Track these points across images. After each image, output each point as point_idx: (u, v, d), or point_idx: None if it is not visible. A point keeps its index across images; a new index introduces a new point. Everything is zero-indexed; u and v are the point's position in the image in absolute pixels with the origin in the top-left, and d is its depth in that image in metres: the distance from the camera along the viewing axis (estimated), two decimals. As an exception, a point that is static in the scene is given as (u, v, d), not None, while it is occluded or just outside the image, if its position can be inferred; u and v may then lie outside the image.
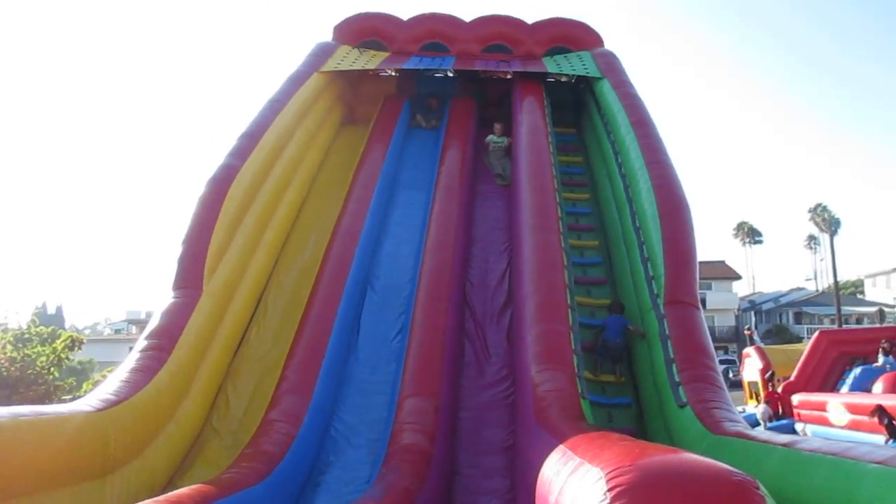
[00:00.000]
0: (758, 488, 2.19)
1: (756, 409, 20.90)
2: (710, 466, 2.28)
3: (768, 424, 19.54)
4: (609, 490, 2.25)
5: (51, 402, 10.55)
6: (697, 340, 7.57)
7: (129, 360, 7.24)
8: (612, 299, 9.40)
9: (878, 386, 16.58)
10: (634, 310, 8.87)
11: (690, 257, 8.42)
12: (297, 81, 12.17)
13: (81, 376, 29.10)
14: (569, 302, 7.86)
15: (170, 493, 4.92)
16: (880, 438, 13.16)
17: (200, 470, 7.29)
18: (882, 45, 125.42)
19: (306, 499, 6.82)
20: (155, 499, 4.73)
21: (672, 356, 7.35)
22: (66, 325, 63.32)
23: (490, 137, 12.29)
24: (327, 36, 14.47)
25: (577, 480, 2.59)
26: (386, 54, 14.16)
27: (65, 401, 11.07)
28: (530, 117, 11.91)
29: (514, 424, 7.44)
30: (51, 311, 61.31)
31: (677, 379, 7.03)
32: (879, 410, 13.62)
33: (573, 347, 7.18)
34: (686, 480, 2.20)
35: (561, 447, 3.40)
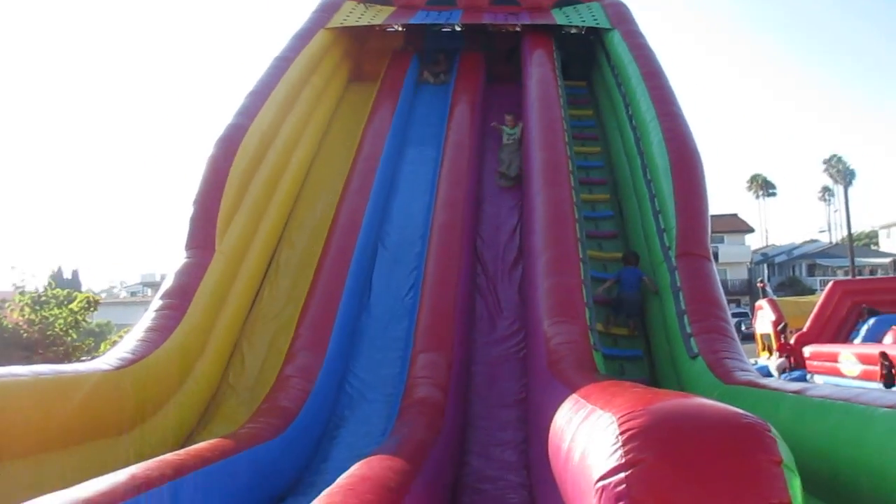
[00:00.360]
0: (769, 430, 2.21)
1: (769, 360, 20.95)
2: (721, 410, 2.30)
3: (781, 376, 19.61)
4: (621, 433, 2.27)
5: (69, 362, 10.73)
6: (709, 292, 7.56)
7: (145, 320, 7.33)
8: (626, 250, 9.26)
9: (889, 337, 16.58)
10: (646, 262, 8.85)
11: (702, 209, 8.36)
12: (303, 38, 12.04)
13: (99, 338, 29.48)
14: (580, 256, 7.84)
15: (189, 448, 5.03)
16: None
17: (218, 425, 7.42)
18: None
19: (323, 451, 6.94)
20: (174, 452, 4.83)
21: (684, 308, 7.35)
22: (83, 289, 64.00)
23: (503, 129, 11.54)
24: (333, -9, 14.25)
25: (590, 426, 2.62)
26: (392, 9, 13.97)
27: (83, 361, 11.26)
28: (540, 70, 11.75)
29: (526, 378, 7.51)
30: (67, 275, 61.79)
31: (689, 330, 7.05)
32: (882, 356, 13.75)
33: (585, 301, 7.18)
34: (697, 422, 2.22)
35: (573, 395, 3.43)
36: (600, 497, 2.21)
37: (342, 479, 3.69)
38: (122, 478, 3.99)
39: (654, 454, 2.16)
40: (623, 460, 2.19)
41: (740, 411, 2.27)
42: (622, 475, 2.16)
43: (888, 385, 13.25)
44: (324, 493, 3.43)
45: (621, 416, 2.33)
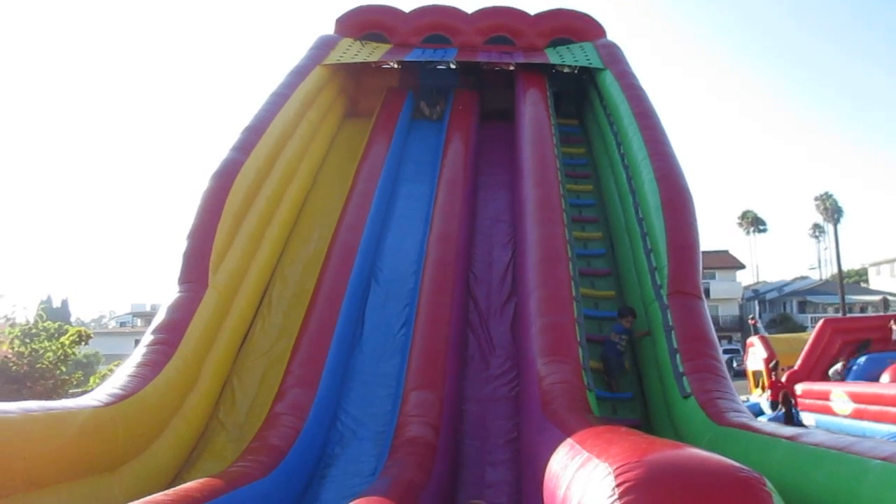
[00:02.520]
0: (764, 484, 2.21)
1: (760, 398, 20.89)
2: (717, 462, 2.30)
3: (769, 415, 19.57)
4: (618, 485, 2.28)
5: (59, 396, 10.62)
6: (701, 331, 7.58)
7: (136, 355, 7.28)
8: (621, 307, 8.88)
9: (886, 376, 16.61)
10: (638, 301, 8.88)
11: (693, 248, 8.41)
12: (299, 74, 12.18)
13: (87, 369, 29.24)
14: (573, 294, 7.87)
15: (178, 487, 4.97)
16: (883, 428, 13.20)
17: (208, 463, 7.35)
18: (882, 50, 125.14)
19: (313, 491, 6.87)
20: (164, 492, 4.77)
21: (676, 347, 7.37)
22: (72, 319, 63.52)
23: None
24: (329, 29, 14.48)
25: (586, 475, 2.62)
26: (388, 46, 14.16)
27: (73, 395, 11.14)
28: (533, 109, 11.90)
29: (518, 417, 7.47)
30: (56, 304, 61.43)
31: (681, 369, 7.05)
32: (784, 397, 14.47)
33: (578, 340, 7.20)
34: (693, 476, 2.22)
35: (568, 440, 3.42)
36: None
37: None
38: (111, 520, 3.94)
39: (649, 509, 2.16)
40: (619, 514, 2.19)
41: (736, 464, 2.28)
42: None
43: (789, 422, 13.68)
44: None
45: (617, 468, 2.33)
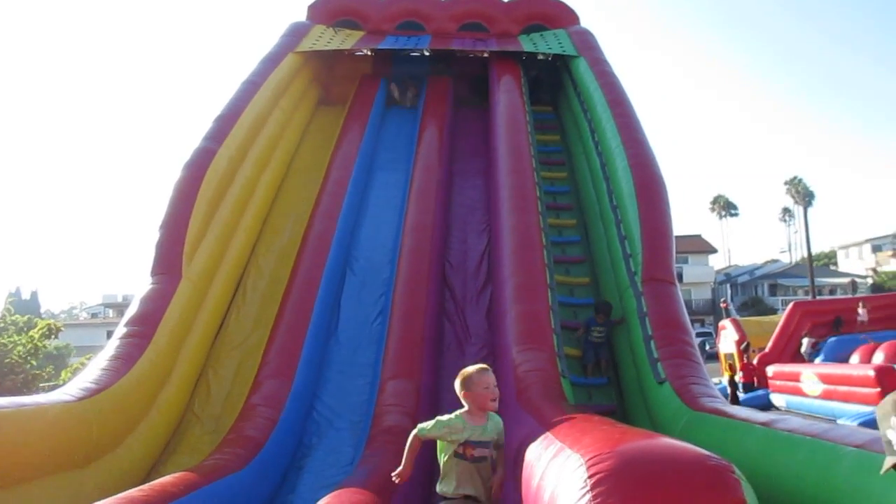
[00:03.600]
0: (733, 472, 2.25)
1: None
2: (687, 451, 2.34)
3: (743, 396, 19.90)
4: (589, 477, 2.31)
5: (30, 390, 10.47)
6: (674, 317, 7.66)
7: (109, 348, 7.20)
8: (598, 301, 8.91)
9: (856, 357, 16.94)
10: (612, 288, 8.95)
11: (667, 235, 8.49)
12: (271, 62, 12.05)
13: (58, 362, 28.89)
14: (548, 282, 7.91)
15: (153, 482, 4.93)
16: (852, 408, 13.49)
17: (184, 456, 7.30)
18: (855, 31, 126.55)
19: (290, 482, 6.85)
20: (139, 488, 4.74)
21: (650, 333, 7.44)
22: (42, 310, 62.66)
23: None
24: (301, 16, 14.32)
25: (559, 466, 2.65)
26: (361, 33, 14.05)
27: (44, 388, 11.00)
28: (507, 96, 11.90)
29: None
30: (25, 296, 60.54)
31: (655, 355, 7.12)
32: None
33: (553, 327, 7.24)
34: (664, 466, 2.26)
35: (542, 430, 3.46)
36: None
37: (311, 516, 3.65)
38: (86, 517, 3.90)
39: (620, 498, 2.19)
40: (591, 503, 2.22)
41: (706, 453, 2.32)
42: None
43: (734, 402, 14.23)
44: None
45: (589, 459, 2.36)
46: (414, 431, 4.19)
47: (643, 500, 2.16)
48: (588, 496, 2.26)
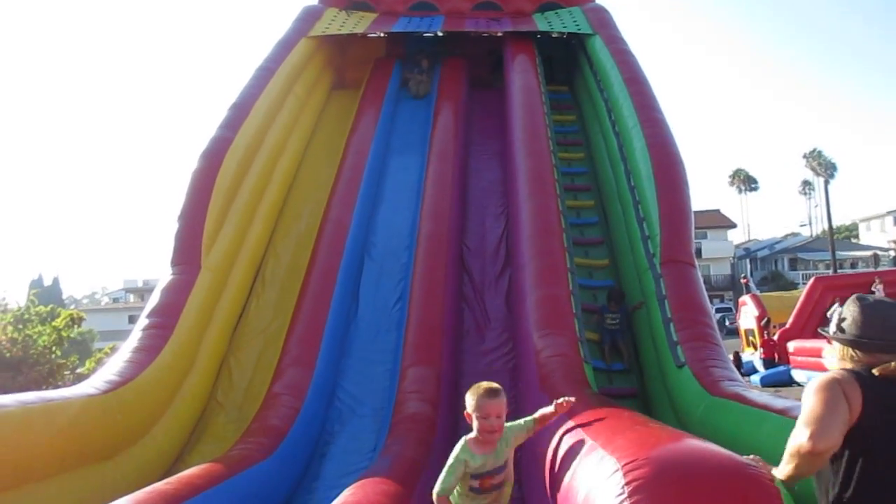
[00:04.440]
0: (773, 481, 2.24)
1: (753, 356, 21.05)
2: (725, 459, 2.32)
3: (762, 373, 19.79)
4: (626, 484, 2.30)
5: (55, 380, 10.62)
6: (694, 299, 7.61)
7: (132, 340, 7.27)
8: (610, 289, 8.77)
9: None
10: (631, 269, 8.90)
11: (685, 216, 8.41)
12: (285, 47, 12.00)
13: (82, 347, 29.26)
14: (568, 265, 7.88)
15: (180, 474, 4.99)
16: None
17: (208, 444, 7.39)
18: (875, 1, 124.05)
19: (314, 469, 6.92)
20: (166, 480, 4.79)
21: (670, 316, 7.39)
22: (64, 296, 63.38)
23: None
24: (314, -1, 14.23)
25: (592, 468, 2.64)
26: (374, 16, 13.94)
27: (68, 378, 11.14)
28: (523, 77, 11.78)
29: (515, 389, 7.52)
30: (47, 282, 61.20)
31: (675, 338, 7.08)
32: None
33: (574, 311, 7.21)
34: (703, 474, 2.25)
35: (570, 422, 3.45)
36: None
37: (338, 507, 3.68)
38: (114, 512, 3.96)
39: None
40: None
41: (744, 461, 2.30)
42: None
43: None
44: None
45: (626, 464, 2.35)
46: (435, 494, 3.65)
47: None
48: (627, 503, 2.25)
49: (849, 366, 2.74)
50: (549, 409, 3.88)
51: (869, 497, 2.58)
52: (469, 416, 3.69)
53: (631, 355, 8.23)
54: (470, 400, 3.69)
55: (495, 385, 3.71)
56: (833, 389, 2.56)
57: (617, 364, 8.17)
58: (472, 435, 3.70)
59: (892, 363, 2.64)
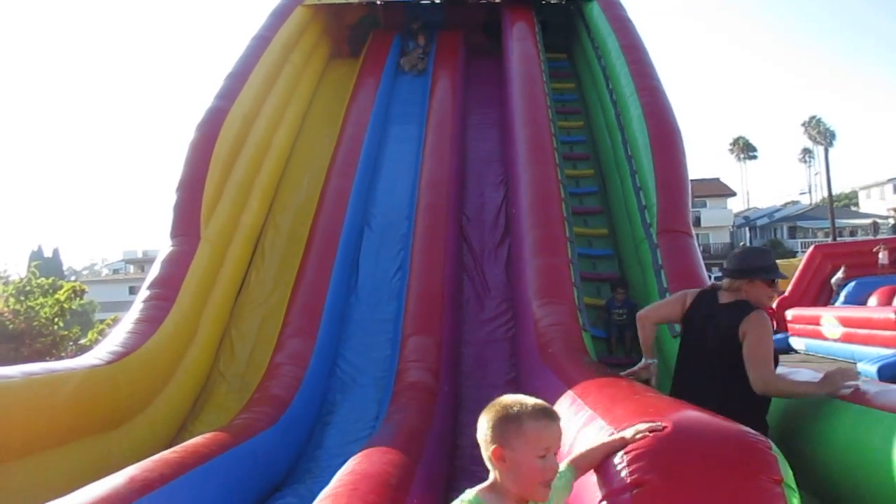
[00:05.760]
0: (770, 448, 2.28)
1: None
2: (725, 428, 2.35)
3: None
4: (626, 452, 2.34)
5: (58, 352, 10.69)
6: (691, 269, 7.60)
7: (134, 311, 7.31)
8: (615, 280, 8.76)
9: (874, 299, 16.87)
10: (629, 239, 8.92)
11: (682, 185, 8.39)
12: (280, 16, 11.86)
13: (84, 318, 29.37)
14: (567, 235, 7.89)
15: (185, 443, 5.04)
16: (872, 351, 13.49)
17: (211, 414, 7.47)
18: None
19: (317, 438, 6.99)
20: (172, 449, 4.85)
21: (666, 286, 7.41)
22: (64, 268, 63.46)
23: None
24: (309, -35, 14.02)
25: (592, 436, 2.68)
26: (370, -17, 13.76)
27: (71, 350, 11.22)
28: (521, 44, 11.68)
29: (515, 358, 7.58)
30: (47, 253, 61.25)
31: (671, 308, 7.10)
32: None
33: (573, 280, 7.25)
34: (702, 442, 2.28)
35: (569, 392, 3.50)
36: (605, 514, 2.29)
37: (343, 477, 3.72)
38: (121, 480, 4.01)
39: (658, 475, 2.23)
40: (628, 480, 2.26)
41: (744, 429, 2.34)
42: (627, 495, 2.23)
43: None
44: (326, 492, 3.47)
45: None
46: None
47: (681, 477, 2.19)
48: (625, 472, 2.29)
49: None
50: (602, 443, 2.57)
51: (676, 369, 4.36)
52: (499, 453, 2.18)
53: (636, 347, 8.19)
54: (505, 425, 2.19)
55: (544, 403, 2.27)
56: (679, 294, 4.51)
57: (620, 356, 8.16)
58: (489, 482, 2.26)
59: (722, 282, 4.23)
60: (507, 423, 2.18)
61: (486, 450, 2.23)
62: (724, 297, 4.14)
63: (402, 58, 13.02)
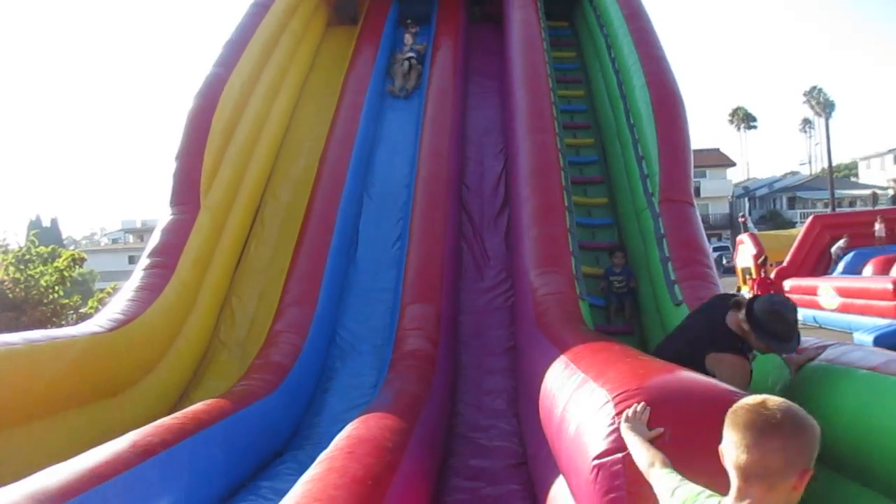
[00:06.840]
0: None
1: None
2: (712, 388, 2.39)
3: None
4: (618, 415, 2.37)
5: (58, 321, 10.73)
6: (692, 238, 7.64)
7: (134, 279, 7.33)
8: (613, 246, 8.76)
9: (869, 269, 16.92)
10: (630, 208, 8.92)
11: (684, 155, 8.37)
12: (279, -18, 11.71)
13: (84, 287, 29.42)
14: (566, 204, 7.89)
15: (186, 409, 5.10)
16: (869, 321, 13.57)
17: (212, 381, 7.53)
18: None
19: (316, 404, 7.07)
20: (173, 415, 4.91)
21: (667, 255, 7.44)
22: (63, 237, 63.43)
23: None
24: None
25: (584, 400, 2.72)
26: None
27: (72, 318, 11.26)
28: (522, 12, 11.55)
29: (513, 326, 7.63)
30: (45, 223, 61.17)
31: (673, 277, 7.14)
32: None
33: (571, 249, 7.26)
34: (690, 402, 2.32)
35: (564, 358, 3.52)
36: (596, 475, 2.32)
37: (340, 441, 3.78)
38: (123, 445, 4.07)
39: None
40: (619, 442, 2.29)
41: (732, 389, 2.37)
42: (618, 456, 2.27)
43: None
44: (323, 456, 3.52)
45: (616, 395, 2.42)
46: None
47: (675, 438, 2.22)
48: (616, 433, 2.32)
49: None
50: None
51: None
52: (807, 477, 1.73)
53: (635, 316, 8.24)
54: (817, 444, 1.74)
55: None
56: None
57: (621, 325, 8.20)
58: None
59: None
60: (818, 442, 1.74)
61: (790, 475, 1.69)
62: (729, 320, 4.04)
63: (387, 82, 11.90)
